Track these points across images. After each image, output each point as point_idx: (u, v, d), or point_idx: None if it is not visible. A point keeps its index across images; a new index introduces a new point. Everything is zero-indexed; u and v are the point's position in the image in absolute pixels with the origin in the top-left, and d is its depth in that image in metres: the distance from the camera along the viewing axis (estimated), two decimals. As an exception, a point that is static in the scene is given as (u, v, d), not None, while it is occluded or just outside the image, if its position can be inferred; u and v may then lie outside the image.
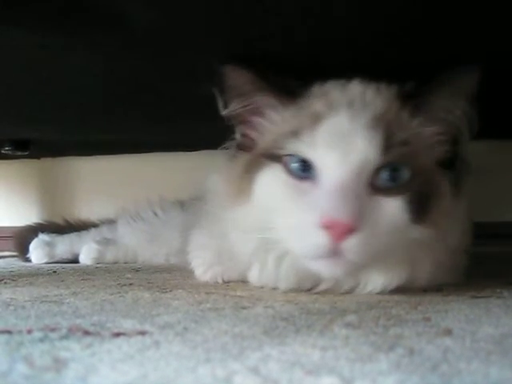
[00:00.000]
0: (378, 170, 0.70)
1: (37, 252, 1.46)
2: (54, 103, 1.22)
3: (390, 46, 0.87)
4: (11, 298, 0.77)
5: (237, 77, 0.79)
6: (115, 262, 1.43)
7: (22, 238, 1.56)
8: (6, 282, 0.98)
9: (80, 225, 1.62)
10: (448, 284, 0.79)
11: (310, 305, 0.68)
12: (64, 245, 1.48)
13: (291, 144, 0.73)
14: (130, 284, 0.92)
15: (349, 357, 0.44)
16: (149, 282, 0.94)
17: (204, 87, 0.78)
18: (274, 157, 0.75)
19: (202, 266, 0.95)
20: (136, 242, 1.45)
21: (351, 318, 0.60)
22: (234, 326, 0.55)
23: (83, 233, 1.54)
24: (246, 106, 0.80)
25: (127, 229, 1.48)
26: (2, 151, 1.66)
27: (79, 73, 1.02)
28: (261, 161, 0.76)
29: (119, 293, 0.81)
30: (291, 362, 0.42)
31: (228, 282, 0.90)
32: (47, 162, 2.00)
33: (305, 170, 0.72)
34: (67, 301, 0.74)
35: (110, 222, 1.56)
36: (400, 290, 0.75)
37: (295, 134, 0.73)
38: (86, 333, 0.53)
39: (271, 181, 0.74)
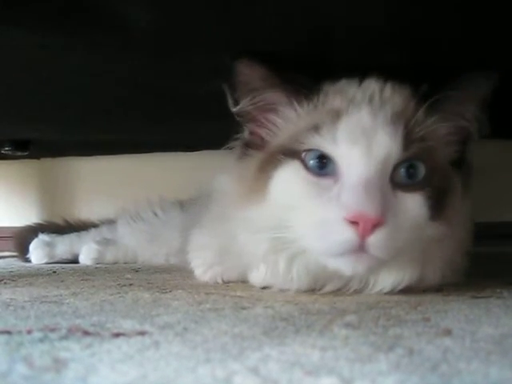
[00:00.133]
0: (397, 166, 0.71)
1: (37, 252, 1.45)
2: (54, 103, 1.22)
3: (391, 45, 0.87)
4: (11, 299, 0.77)
5: (249, 72, 0.77)
6: (115, 263, 1.43)
7: (21, 239, 1.56)
8: (5, 283, 0.98)
9: (80, 225, 1.62)
10: (448, 284, 0.78)
11: (310, 305, 0.68)
12: (64, 245, 1.48)
13: (311, 139, 0.72)
14: (130, 284, 0.92)
15: (348, 357, 0.44)
16: (149, 283, 0.94)
17: (207, 86, 0.77)
18: (291, 153, 0.74)
19: (202, 266, 0.95)
20: (136, 242, 1.45)
21: (351, 318, 0.60)
22: (233, 327, 0.55)
23: (83, 233, 1.54)
24: (257, 103, 0.79)
25: (127, 229, 1.47)
26: (2, 151, 1.66)
27: (79, 73, 1.02)
28: (277, 158, 0.75)
29: (119, 293, 0.81)
30: (291, 363, 0.42)
31: (228, 283, 0.90)
32: (47, 162, 2.00)
33: (323, 166, 0.72)
34: (67, 301, 0.74)
35: (110, 222, 1.55)
36: (401, 289, 0.75)
37: (315, 129, 0.72)
38: (86, 333, 0.53)
39: (289, 178, 0.74)
